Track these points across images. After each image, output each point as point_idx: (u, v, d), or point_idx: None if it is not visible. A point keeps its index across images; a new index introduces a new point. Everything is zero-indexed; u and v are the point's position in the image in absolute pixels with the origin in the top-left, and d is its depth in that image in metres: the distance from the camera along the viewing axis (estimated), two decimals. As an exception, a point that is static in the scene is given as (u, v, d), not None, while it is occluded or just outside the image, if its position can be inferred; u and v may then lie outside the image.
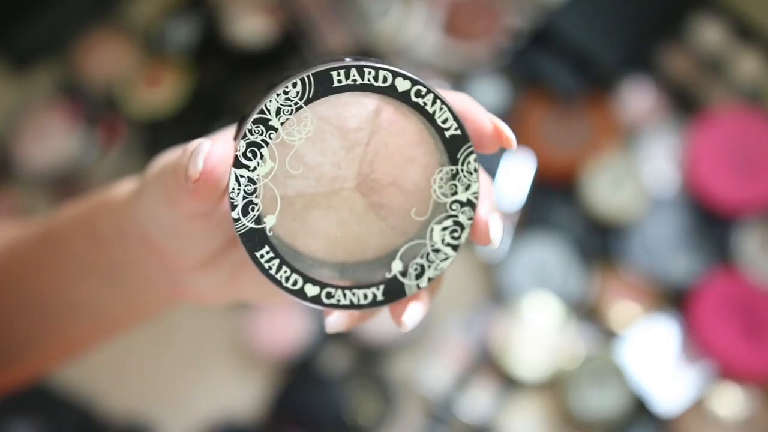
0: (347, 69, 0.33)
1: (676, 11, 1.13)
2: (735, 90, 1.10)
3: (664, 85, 1.11)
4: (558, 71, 1.10)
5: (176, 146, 0.40)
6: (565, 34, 1.10)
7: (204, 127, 1.15)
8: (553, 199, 1.07)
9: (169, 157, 0.37)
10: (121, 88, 1.18)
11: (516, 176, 1.07)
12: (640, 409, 0.96)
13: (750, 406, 0.95)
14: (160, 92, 1.17)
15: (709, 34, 1.12)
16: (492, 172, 1.08)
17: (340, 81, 0.33)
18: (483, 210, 0.36)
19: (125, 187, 0.41)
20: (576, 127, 1.10)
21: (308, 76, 0.33)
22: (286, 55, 1.18)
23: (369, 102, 0.34)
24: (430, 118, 0.35)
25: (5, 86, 1.23)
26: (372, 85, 0.34)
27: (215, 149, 0.33)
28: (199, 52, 1.19)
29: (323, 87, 0.33)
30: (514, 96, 1.13)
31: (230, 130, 0.38)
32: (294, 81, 0.33)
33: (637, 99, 1.11)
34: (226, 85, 1.17)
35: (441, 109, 0.35)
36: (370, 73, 0.34)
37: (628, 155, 1.08)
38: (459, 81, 1.14)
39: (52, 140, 1.16)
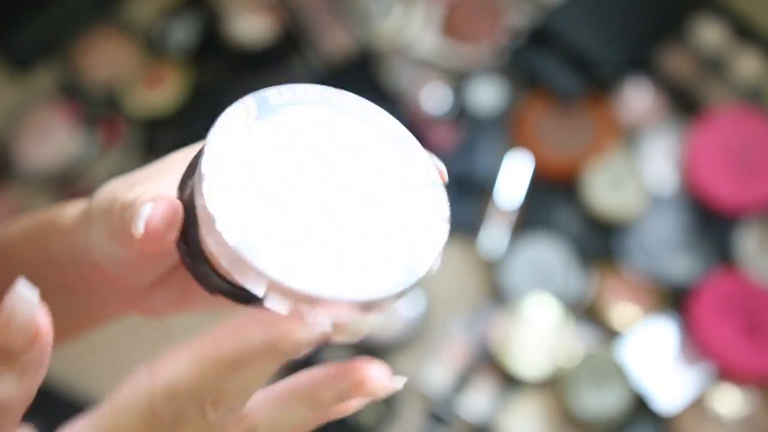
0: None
1: (676, 13, 1.13)
2: (735, 90, 1.10)
3: (664, 86, 1.11)
4: (558, 72, 1.10)
5: (127, 174, 0.38)
6: (565, 35, 1.10)
7: (205, 126, 1.15)
8: (553, 199, 1.07)
9: (116, 189, 0.36)
10: (121, 88, 1.18)
11: (514, 176, 1.07)
12: (640, 407, 0.96)
13: (749, 404, 0.95)
14: (160, 92, 1.17)
15: (709, 34, 1.12)
16: (494, 172, 1.08)
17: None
18: None
19: (75, 209, 0.41)
20: (576, 127, 1.10)
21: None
22: (286, 54, 1.18)
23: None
24: None
25: (5, 86, 1.23)
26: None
27: (155, 213, 0.32)
28: (199, 51, 1.19)
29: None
30: (514, 96, 1.13)
31: (179, 168, 0.36)
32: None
33: (637, 99, 1.11)
34: (226, 84, 1.17)
35: None
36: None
37: (628, 155, 1.08)
38: (459, 81, 1.14)
39: (52, 140, 1.16)
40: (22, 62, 1.22)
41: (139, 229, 0.32)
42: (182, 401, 0.31)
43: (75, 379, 1.02)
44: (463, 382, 0.99)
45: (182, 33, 1.20)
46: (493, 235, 1.05)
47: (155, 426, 0.31)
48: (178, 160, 0.37)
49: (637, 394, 0.96)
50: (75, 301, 0.44)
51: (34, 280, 0.43)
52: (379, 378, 0.32)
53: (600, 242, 1.04)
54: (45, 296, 0.43)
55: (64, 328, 0.47)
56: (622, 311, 1.01)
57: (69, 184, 1.15)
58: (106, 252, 0.37)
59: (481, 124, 1.11)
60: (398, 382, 0.33)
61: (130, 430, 0.31)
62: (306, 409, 0.34)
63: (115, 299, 0.41)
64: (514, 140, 1.10)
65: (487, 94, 1.13)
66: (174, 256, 0.37)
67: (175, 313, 0.41)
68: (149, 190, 0.34)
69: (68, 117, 1.17)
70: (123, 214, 0.34)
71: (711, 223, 1.03)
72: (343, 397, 0.33)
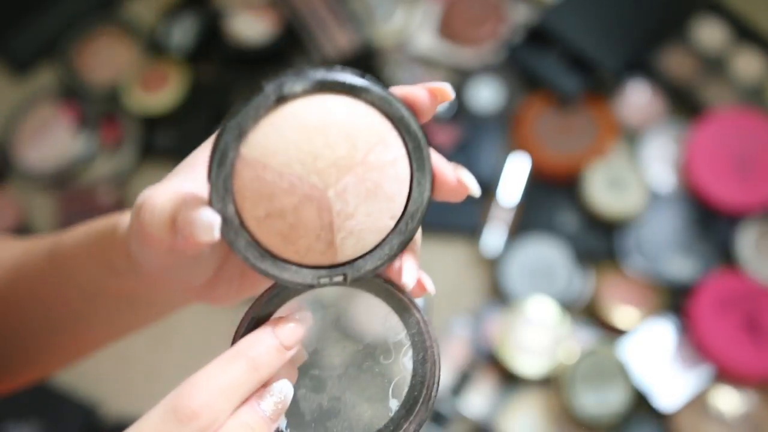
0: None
1: (676, 14, 1.13)
2: (735, 90, 1.10)
3: (664, 86, 1.11)
4: (558, 72, 1.10)
5: (158, 181, 0.39)
6: (563, 34, 1.10)
7: (204, 127, 1.15)
8: (553, 199, 1.07)
9: (150, 197, 0.36)
10: (121, 88, 1.18)
11: (514, 175, 1.08)
12: (640, 405, 0.97)
13: (749, 402, 0.95)
14: (160, 92, 1.17)
15: (709, 34, 1.12)
16: (494, 172, 1.08)
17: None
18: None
19: (124, 221, 0.41)
20: (576, 127, 1.10)
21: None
22: (286, 53, 1.18)
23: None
24: None
25: (6, 87, 1.23)
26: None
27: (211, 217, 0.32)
28: (199, 50, 1.19)
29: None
30: (514, 96, 1.13)
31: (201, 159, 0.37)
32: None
33: (638, 99, 1.11)
34: (227, 84, 1.17)
35: None
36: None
37: (629, 155, 1.08)
38: (459, 81, 1.14)
39: (53, 140, 1.16)
40: (22, 63, 1.22)
41: (215, 233, 0.31)
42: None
43: (75, 379, 1.02)
44: (463, 380, 0.99)
45: (182, 33, 1.20)
46: (494, 235, 1.06)
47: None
48: (201, 154, 0.37)
49: (637, 393, 0.96)
50: (142, 304, 0.44)
51: (97, 290, 0.43)
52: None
53: (600, 242, 1.05)
54: (111, 303, 0.44)
55: (128, 328, 0.47)
56: (622, 311, 1.01)
57: (69, 184, 1.15)
58: (147, 259, 0.36)
59: (481, 124, 1.11)
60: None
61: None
62: None
63: (181, 298, 0.42)
64: (514, 140, 1.10)
65: (488, 94, 1.13)
66: (216, 253, 0.37)
67: (240, 299, 0.41)
68: (163, 190, 0.34)
69: (68, 117, 1.17)
70: (138, 216, 0.34)
71: (710, 223, 1.04)
72: None
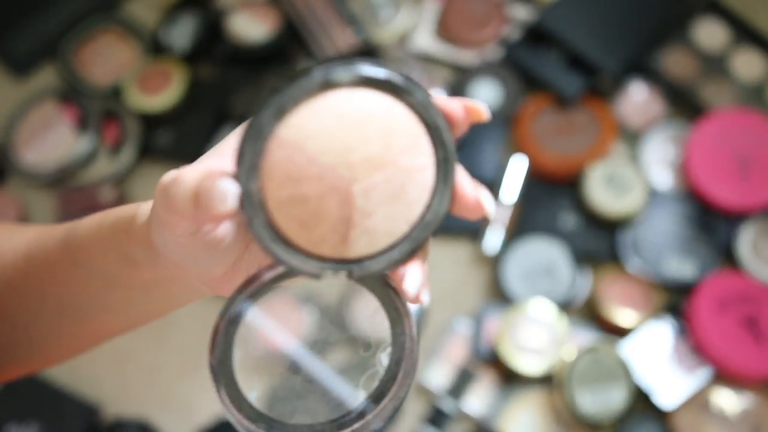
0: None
1: (677, 17, 1.13)
2: (735, 90, 1.10)
3: (665, 86, 1.11)
4: (559, 74, 1.10)
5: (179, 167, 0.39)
6: (563, 35, 1.10)
7: (205, 126, 1.15)
8: (554, 199, 1.07)
9: (178, 173, 0.36)
10: (122, 88, 1.18)
11: (514, 176, 1.08)
12: (640, 404, 0.97)
13: (749, 401, 0.95)
14: (160, 92, 1.17)
15: (709, 34, 1.12)
16: (494, 172, 1.08)
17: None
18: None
19: (144, 210, 0.41)
20: (576, 127, 1.10)
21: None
22: (287, 53, 1.18)
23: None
24: None
25: (6, 87, 1.23)
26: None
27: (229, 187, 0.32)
28: (199, 50, 1.19)
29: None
30: (514, 97, 1.13)
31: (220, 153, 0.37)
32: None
33: (638, 100, 1.11)
34: (227, 84, 1.17)
35: None
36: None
37: (629, 156, 1.08)
38: (459, 81, 1.14)
39: (53, 140, 1.16)
40: (22, 63, 1.22)
41: (229, 204, 0.32)
42: None
43: (75, 380, 1.02)
44: (463, 380, 0.99)
45: (182, 33, 1.20)
46: (493, 235, 1.06)
47: None
48: (231, 140, 0.37)
49: (637, 391, 0.96)
50: (159, 295, 0.44)
51: (116, 280, 0.43)
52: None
53: (600, 242, 1.05)
54: (127, 293, 0.44)
55: (147, 316, 0.47)
56: (622, 311, 1.01)
57: (69, 183, 1.15)
58: (168, 245, 0.37)
59: (481, 124, 1.11)
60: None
61: None
62: None
63: (193, 291, 0.42)
64: (514, 140, 1.10)
65: (487, 94, 1.13)
66: (238, 238, 0.37)
67: None
68: (196, 168, 0.34)
69: (68, 117, 1.17)
70: (164, 193, 0.34)
71: (710, 223, 1.04)
72: None
